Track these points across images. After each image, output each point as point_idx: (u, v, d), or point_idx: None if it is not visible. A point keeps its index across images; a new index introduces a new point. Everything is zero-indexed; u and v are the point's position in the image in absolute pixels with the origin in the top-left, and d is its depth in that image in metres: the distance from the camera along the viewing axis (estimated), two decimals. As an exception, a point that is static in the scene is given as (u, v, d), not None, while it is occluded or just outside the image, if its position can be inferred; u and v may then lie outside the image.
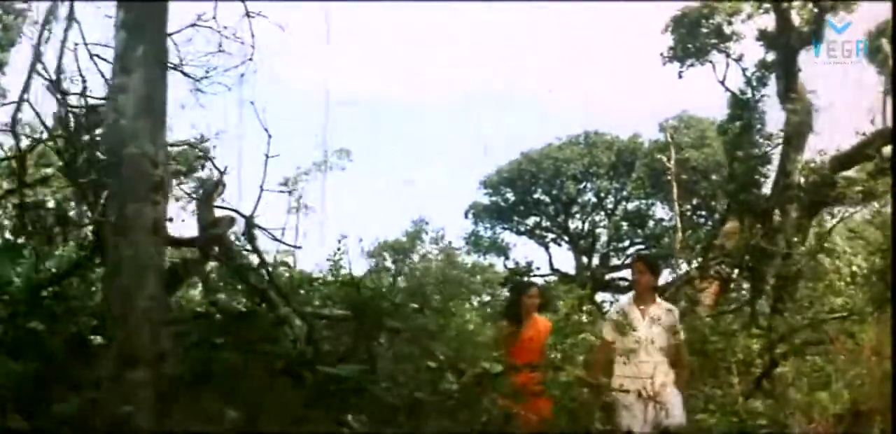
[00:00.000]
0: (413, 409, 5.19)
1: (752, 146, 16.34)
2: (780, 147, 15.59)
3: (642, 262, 8.58)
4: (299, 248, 6.67)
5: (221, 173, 7.68)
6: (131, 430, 4.27)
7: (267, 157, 6.16)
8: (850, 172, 14.81)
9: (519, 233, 34.88)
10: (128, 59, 4.98)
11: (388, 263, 34.07)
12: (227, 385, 4.71)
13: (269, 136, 6.13)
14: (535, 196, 34.19)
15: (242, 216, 6.73)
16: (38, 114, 7.07)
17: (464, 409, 5.87)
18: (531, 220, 34.69)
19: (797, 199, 14.62)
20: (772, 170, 15.95)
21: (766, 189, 15.95)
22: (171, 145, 8.61)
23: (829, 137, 15.39)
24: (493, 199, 34.54)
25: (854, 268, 11.89)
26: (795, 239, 14.34)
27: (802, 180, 14.81)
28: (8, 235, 8.61)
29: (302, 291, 8.43)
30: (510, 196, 34.28)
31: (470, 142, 45.04)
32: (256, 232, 7.05)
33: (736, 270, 15.08)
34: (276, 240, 6.58)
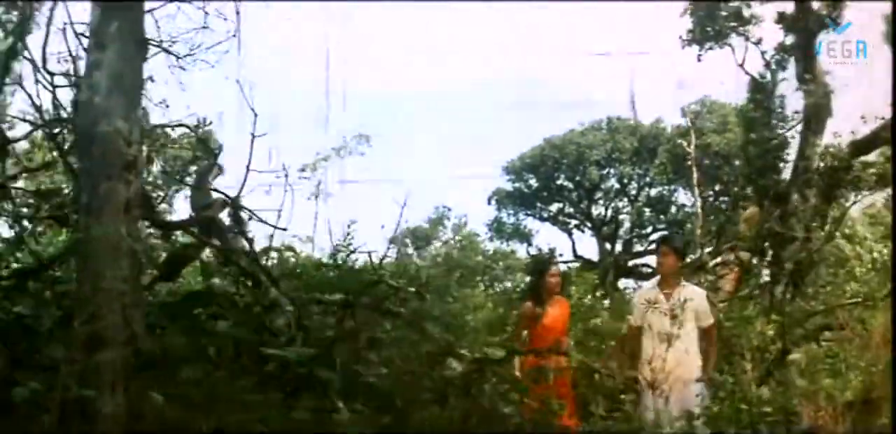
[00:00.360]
0: (364, 395, 5.06)
1: (768, 129, 16.08)
2: (799, 131, 15.37)
3: (667, 245, 8.38)
4: (285, 229, 6.49)
5: (215, 156, 7.57)
6: (93, 413, 4.19)
7: (253, 136, 6.02)
8: (871, 157, 14.59)
9: (542, 219, 34.72)
10: (102, 35, 4.87)
11: (411, 250, 34.05)
12: (173, 369, 4.61)
13: (256, 116, 5.98)
14: (558, 182, 33.96)
15: (228, 198, 6.62)
16: (30, 96, 6.95)
17: (451, 398, 5.72)
18: (554, 207, 34.51)
19: (815, 184, 14.39)
20: (791, 154, 15.72)
21: (787, 174, 15.74)
22: (165, 126, 8.51)
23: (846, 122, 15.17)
24: (516, 185, 34.34)
25: (875, 254, 11.73)
26: (815, 224, 14.15)
27: (822, 165, 14.57)
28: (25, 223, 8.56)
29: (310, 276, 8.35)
30: (533, 182, 34.07)
31: (486, 132, 44.57)
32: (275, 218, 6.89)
33: (753, 256, 14.86)
34: (261, 221, 6.44)
